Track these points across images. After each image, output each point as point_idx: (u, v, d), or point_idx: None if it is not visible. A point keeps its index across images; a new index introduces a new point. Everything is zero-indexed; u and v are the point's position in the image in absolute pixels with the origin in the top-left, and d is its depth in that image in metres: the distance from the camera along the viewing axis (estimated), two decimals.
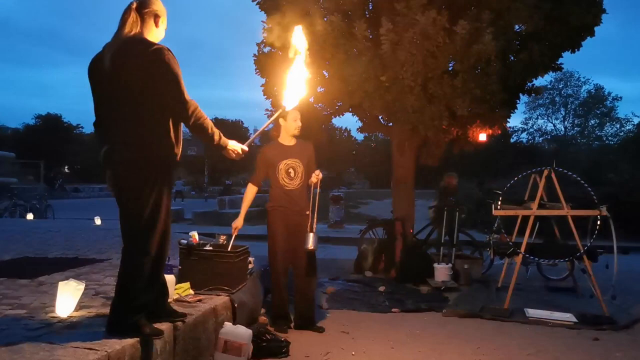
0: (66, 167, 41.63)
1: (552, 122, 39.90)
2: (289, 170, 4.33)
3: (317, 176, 4.28)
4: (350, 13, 6.70)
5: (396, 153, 7.60)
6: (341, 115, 7.63)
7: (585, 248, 5.22)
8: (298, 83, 3.40)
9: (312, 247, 4.17)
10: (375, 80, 6.24)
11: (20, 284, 3.77)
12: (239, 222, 4.37)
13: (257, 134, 3.66)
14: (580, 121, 39.57)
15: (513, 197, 6.10)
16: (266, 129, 3.69)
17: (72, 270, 4.39)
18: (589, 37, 6.74)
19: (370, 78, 6.20)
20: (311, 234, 4.16)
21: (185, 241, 4.11)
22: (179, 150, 2.74)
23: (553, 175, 5.40)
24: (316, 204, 4.28)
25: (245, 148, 3.04)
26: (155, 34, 2.74)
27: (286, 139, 4.44)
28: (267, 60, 6.96)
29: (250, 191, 4.50)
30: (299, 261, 4.37)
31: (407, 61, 5.96)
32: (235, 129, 34.70)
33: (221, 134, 2.87)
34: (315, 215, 4.26)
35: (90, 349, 2.37)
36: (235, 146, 2.98)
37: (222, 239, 4.42)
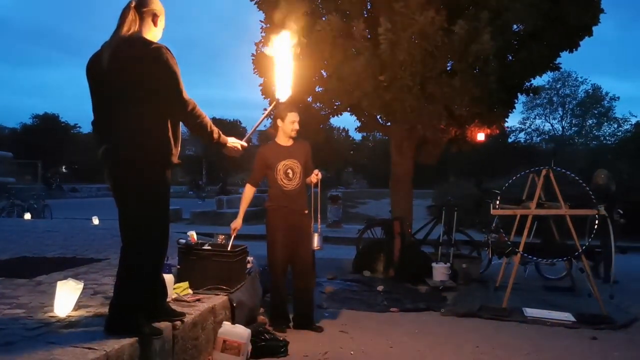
0: (64, 167, 41.52)
1: (549, 122, 39.89)
2: (288, 171, 4.33)
3: (316, 175, 4.30)
4: (349, 12, 6.70)
5: (394, 153, 7.60)
6: (339, 115, 7.64)
7: (584, 247, 5.23)
8: (288, 74, 3.41)
9: (317, 247, 4.24)
10: (374, 80, 6.25)
11: (18, 284, 3.76)
12: (237, 223, 4.36)
13: (254, 129, 3.65)
14: (578, 121, 39.55)
15: (511, 197, 6.11)
16: (263, 126, 3.70)
17: (71, 269, 4.38)
18: (587, 37, 6.77)
19: (368, 78, 6.21)
20: (315, 235, 4.23)
21: (183, 241, 4.11)
22: (177, 150, 2.73)
23: (551, 175, 5.42)
24: (318, 204, 4.31)
25: (245, 144, 3.06)
26: (154, 33, 2.73)
27: (283, 139, 4.43)
28: (265, 60, 6.95)
29: (249, 192, 4.51)
30: (298, 260, 4.37)
31: (405, 61, 5.97)
32: (233, 129, 34.69)
33: (220, 132, 2.87)
34: (319, 215, 4.29)
35: (89, 348, 2.37)
36: (234, 143, 2.99)
37: (220, 238, 4.42)
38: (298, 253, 4.36)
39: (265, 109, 7.45)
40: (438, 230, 7.48)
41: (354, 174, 42.48)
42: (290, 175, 4.32)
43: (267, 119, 4.04)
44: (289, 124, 4.34)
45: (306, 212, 4.36)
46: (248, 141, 3.15)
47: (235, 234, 4.29)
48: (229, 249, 4.13)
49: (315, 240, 4.27)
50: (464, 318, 5.00)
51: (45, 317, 2.89)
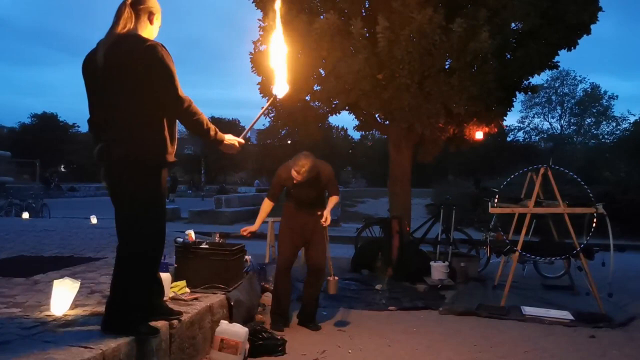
0: (62, 166, 41.51)
1: (548, 121, 39.97)
2: (301, 192, 4.34)
3: (324, 222, 4.25)
4: (347, 11, 6.69)
5: (393, 151, 7.60)
6: (338, 114, 7.64)
7: (582, 246, 5.23)
8: (285, 69, 3.37)
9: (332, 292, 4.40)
10: (372, 79, 6.24)
11: (15, 283, 3.75)
12: (254, 228, 4.38)
13: (250, 126, 3.63)
14: (577, 120, 39.63)
15: (510, 195, 6.11)
16: (262, 125, 3.69)
17: (68, 268, 4.37)
18: (585, 35, 6.76)
19: (366, 76, 6.20)
20: (331, 279, 4.34)
21: (181, 239, 4.11)
22: (173, 149, 2.72)
23: (549, 173, 5.41)
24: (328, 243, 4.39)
25: (242, 141, 3.04)
26: (149, 31, 2.72)
27: None
28: (263, 59, 6.94)
29: (267, 206, 4.48)
30: (309, 259, 4.43)
31: (403, 59, 5.96)
32: (231, 128, 34.73)
33: (217, 129, 2.85)
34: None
35: (86, 347, 2.36)
36: (231, 140, 2.98)
37: (218, 237, 4.42)
38: (309, 252, 4.41)
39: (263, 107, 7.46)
40: (436, 229, 7.47)
41: (352, 172, 42.54)
42: (303, 197, 4.36)
43: (264, 117, 4.03)
44: (293, 173, 4.13)
45: (319, 213, 4.33)
46: (245, 138, 3.14)
47: (246, 233, 4.33)
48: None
49: (331, 286, 4.33)
50: (462, 317, 4.99)
51: (42, 316, 2.88)
